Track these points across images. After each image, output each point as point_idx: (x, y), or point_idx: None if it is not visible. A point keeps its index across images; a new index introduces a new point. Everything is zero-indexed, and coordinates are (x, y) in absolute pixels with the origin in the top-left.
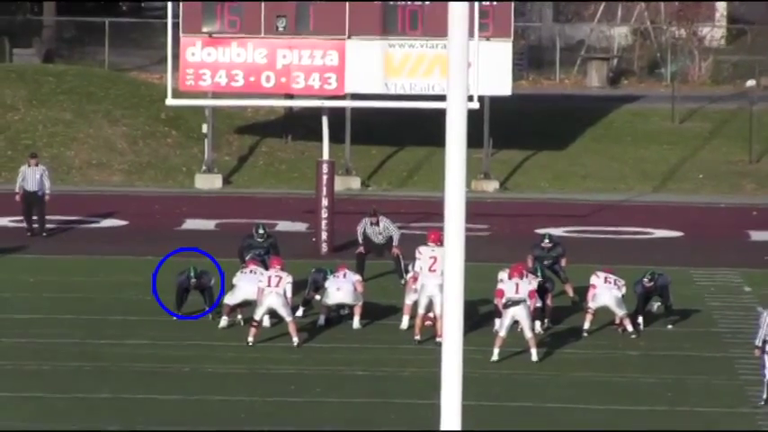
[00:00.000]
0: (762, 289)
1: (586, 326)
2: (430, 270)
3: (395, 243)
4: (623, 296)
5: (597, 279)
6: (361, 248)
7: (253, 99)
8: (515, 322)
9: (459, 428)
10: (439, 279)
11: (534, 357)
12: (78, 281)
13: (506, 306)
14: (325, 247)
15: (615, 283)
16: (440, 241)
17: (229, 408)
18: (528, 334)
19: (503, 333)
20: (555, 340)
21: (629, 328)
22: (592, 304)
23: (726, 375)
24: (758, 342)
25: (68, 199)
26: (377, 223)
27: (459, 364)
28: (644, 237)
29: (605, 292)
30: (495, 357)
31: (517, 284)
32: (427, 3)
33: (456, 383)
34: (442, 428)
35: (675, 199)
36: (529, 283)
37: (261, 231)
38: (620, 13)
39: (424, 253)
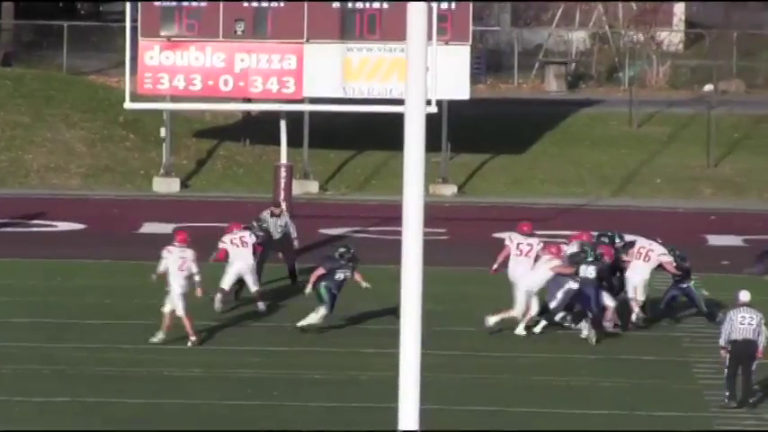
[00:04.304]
0: (720, 293)
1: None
2: None
3: (295, 241)
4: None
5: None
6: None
7: (211, 103)
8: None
9: (416, 429)
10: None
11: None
12: (36, 284)
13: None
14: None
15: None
16: None
17: (187, 411)
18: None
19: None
20: (512, 344)
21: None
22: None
23: (684, 379)
24: (722, 342)
25: (26, 202)
26: (279, 215)
27: (416, 366)
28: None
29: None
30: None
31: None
32: (385, 7)
33: (413, 385)
34: (399, 429)
35: (633, 203)
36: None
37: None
38: (578, 17)
39: None
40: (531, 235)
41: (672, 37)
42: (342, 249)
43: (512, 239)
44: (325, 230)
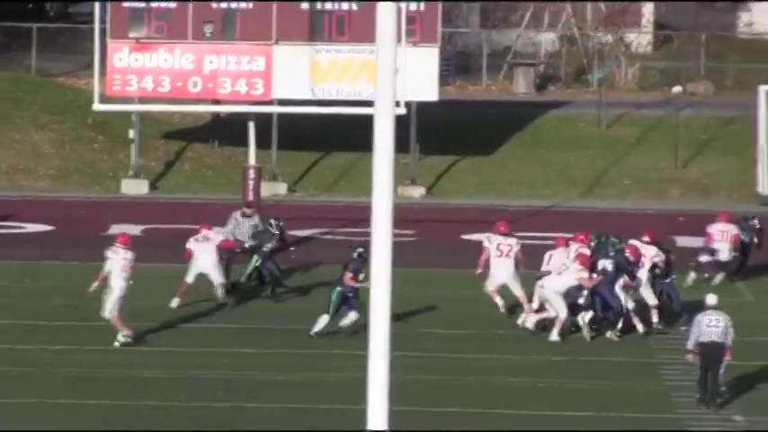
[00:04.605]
0: (687, 294)
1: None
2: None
3: (273, 244)
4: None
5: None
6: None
7: (179, 104)
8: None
9: (385, 428)
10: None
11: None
12: (4, 286)
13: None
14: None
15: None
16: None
17: (156, 412)
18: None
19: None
20: (481, 345)
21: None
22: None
23: (652, 381)
24: (690, 345)
25: None
26: (250, 216)
27: (385, 367)
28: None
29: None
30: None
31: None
32: (354, 9)
33: (382, 386)
34: (368, 428)
35: (602, 205)
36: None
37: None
38: (546, 19)
39: None
40: (509, 235)
41: (640, 38)
42: (360, 249)
43: (491, 240)
44: (294, 232)
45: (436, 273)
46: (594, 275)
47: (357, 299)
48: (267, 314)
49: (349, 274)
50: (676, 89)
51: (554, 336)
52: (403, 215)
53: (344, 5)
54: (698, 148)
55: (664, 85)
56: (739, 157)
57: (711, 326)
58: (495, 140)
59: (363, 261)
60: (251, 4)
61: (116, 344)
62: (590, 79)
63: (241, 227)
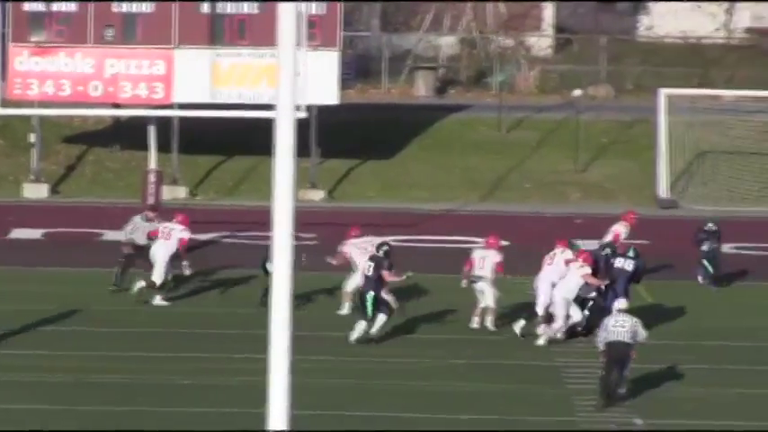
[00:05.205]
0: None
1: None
2: None
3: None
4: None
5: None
6: (129, 248)
7: (80, 108)
8: None
9: (286, 428)
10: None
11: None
12: None
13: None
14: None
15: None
16: None
17: (55, 416)
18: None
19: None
20: (383, 349)
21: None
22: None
23: (554, 384)
24: (601, 346)
25: None
26: (152, 219)
27: (286, 371)
28: (471, 246)
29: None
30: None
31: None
32: (255, 12)
33: (282, 389)
34: (268, 428)
35: (502, 208)
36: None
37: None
38: (447, 22)
39: None
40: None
41: (541, 42)
42: (386, 247)
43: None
44: (194, 236)
45: (336, 276)
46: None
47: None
48: (168, 318)
49: (386, 272)
50: (577, 92)
51: (541, 341)
52: (303, 219)
53: (245, 9)
54: (598, 152)
55: (564, 88)
56: (639, 161)
57: (617, 326)
58: (395, 144)
59: (389, 257)
60: (151, 8)
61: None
62: (490, 83)
63: (139, 230)
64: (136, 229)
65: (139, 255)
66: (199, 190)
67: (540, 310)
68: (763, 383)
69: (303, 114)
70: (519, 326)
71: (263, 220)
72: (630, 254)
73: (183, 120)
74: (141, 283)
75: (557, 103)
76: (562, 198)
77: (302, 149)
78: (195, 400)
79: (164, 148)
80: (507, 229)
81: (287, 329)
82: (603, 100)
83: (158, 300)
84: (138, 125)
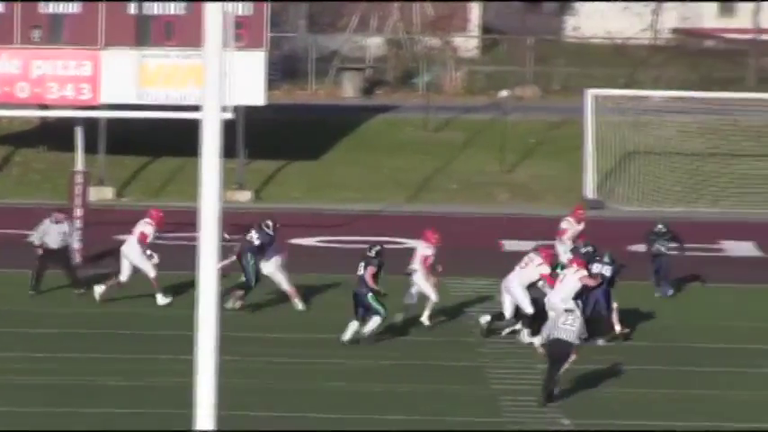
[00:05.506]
0: None
1: None
2: None
3: (76, 253)
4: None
5: None
6: (42, 251)
7: (7, 109)
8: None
9: (213, 429)
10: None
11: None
12: None
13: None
14: (78, 257)
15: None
16: None
17: None
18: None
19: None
20: (309, 350)
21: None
22: None
23: (479, 384)
24: (542, 341)
25: None
26: (62, 222)
27: (212, 371)
28: (397, 246)
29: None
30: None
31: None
32: (182, 14)
33: (209, 390)
34: (195, 429)
35: (429, 209)
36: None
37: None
38: (374, 23)
39: None
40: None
41: (467, 42)
42: (378, 248)
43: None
44: (122, 237)
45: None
46: (594, 278)
47: (376, 301)
48: (94, 320)
49: (369, 275)
50: (503, 93)
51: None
52: (230, 220)
53: (172, 10)
54: (525, 153)
55: (491, 89)
56: (566, 161)
57: (566, 324)
58: (322, 145)
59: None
60: (78, 9)
61: None
62: (417, 83)
63: (49, 232)
64: (46, 233)
65: (52, 258)
66: (126, 191)
67: (507, 312)
68: (690, 384)
69: (230, 115)
70: (485, 320)
71: (189, 221)
72: (606, 259)
73: (110, 121)
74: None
75: (483, 103)
76: (489, 199)
77: (229, 150)
78: (123, 400)
79: (91, 148)
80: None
81: (213, 329)
82: (530, 101)
83: (161, 299)
84: (65, 126)
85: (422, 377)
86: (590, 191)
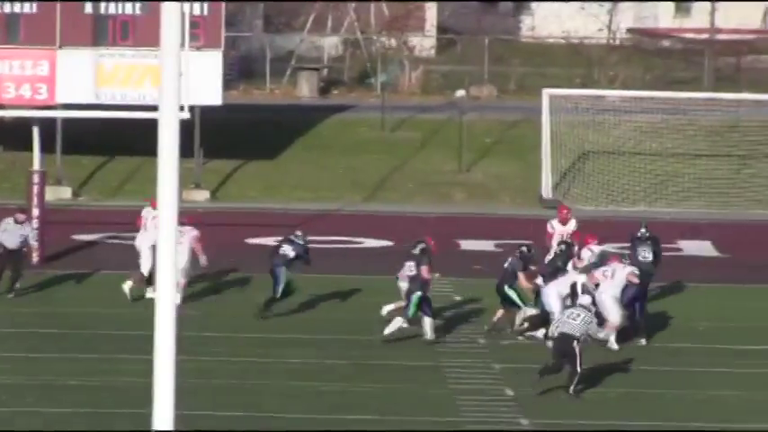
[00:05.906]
0: (471, 298)
1: None
2: None
3: (34, 253)
4: None
5: None
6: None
7: None
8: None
9: (171, 428)
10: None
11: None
12: None
13: None
14: (36, 258)
15: None
16: None
17: None
18: None
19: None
20: (266, 349)
21: None
22: None
23: (437, 384)
24: (550, 333)
25: None
26: (22, 223)
27: (171, 370)
28: (354, 246)
29: None
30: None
31: None
32: (138, 14)
33: (168, 389)
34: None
35: (386, 208)
36: None
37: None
38: (330, 23)
39: None
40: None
41: (424, 42)
42: (422, 244)
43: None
44: (79, 236)
45: (221, 276)
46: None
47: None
48: (52, 319)
49: (425, 268)
50: (460, 93)
51: (614, 344)
52: (187, 219)
53: (129, 10)
54: (481, 152)
55: (447, 88)
56: (523, 161)
57: (570, 318)
58: (278, 145)
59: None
60: (35, 9)
61: None
62: (373, 83)
63: (9, 232)
64: (5, 231)
65: (10, 258)
66: (83, 191)
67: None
68: (647, 383)
69: (186, 115)
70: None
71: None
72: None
73: (67, 120)
74: (129, 283)
75: (440, 103)
76: (446, 198)
77: (186, 150)
78: (81, 400)
79: (48, 148)
80: (390, 230)
81: (172, 329)
82: (486, 100)
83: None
84: (22, 126)
85: (380, 377)
86: (546, 190)
